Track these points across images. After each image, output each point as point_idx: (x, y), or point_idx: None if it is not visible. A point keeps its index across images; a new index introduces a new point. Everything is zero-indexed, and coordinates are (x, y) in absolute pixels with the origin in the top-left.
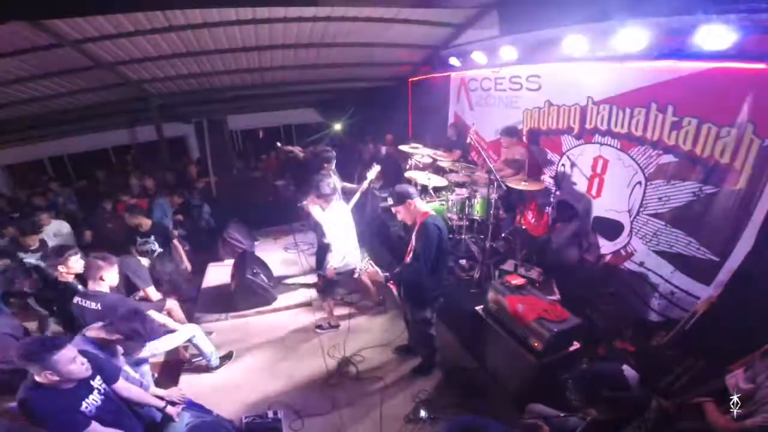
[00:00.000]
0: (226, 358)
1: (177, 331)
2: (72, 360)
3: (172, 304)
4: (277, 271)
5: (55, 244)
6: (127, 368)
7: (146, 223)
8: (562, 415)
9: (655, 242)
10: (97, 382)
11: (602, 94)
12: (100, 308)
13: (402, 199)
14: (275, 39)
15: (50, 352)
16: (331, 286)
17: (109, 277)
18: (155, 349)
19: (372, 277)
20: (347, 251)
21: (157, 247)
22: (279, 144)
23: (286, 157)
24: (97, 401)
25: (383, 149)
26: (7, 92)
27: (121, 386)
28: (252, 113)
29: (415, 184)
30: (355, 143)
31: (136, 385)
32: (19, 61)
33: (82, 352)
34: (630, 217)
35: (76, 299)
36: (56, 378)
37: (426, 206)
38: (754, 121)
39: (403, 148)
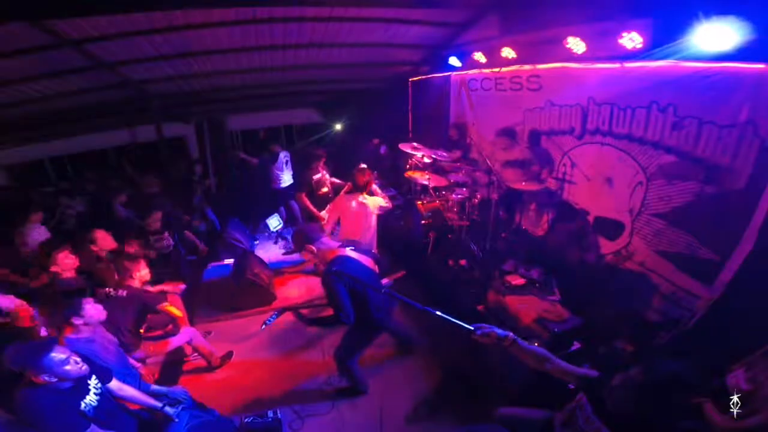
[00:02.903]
0: (226, 358)
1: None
2: (65, 361)
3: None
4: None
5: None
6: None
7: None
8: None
9: (657, 242)
10: (93, 382)
11: (603, 94)
12: (125, 295)
13: (301, 244)
14: (275, 39)
15: (41, 357)
16: None
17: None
18: (156, 352)
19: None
20: None
21: (171, 242)
22: (238, 152)
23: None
24: (94, 401)
25: (383, 149)
26: (7, 92)
27: (115, 386)
28: (252, 113)
29: (415, 184)
30: (358, 143)
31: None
32: (19, 61)
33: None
34: (631, 216)
35: (107, 288)
36: (54, 379)
37: (335, 245)
38: (754, 121)
39: (403, 147)
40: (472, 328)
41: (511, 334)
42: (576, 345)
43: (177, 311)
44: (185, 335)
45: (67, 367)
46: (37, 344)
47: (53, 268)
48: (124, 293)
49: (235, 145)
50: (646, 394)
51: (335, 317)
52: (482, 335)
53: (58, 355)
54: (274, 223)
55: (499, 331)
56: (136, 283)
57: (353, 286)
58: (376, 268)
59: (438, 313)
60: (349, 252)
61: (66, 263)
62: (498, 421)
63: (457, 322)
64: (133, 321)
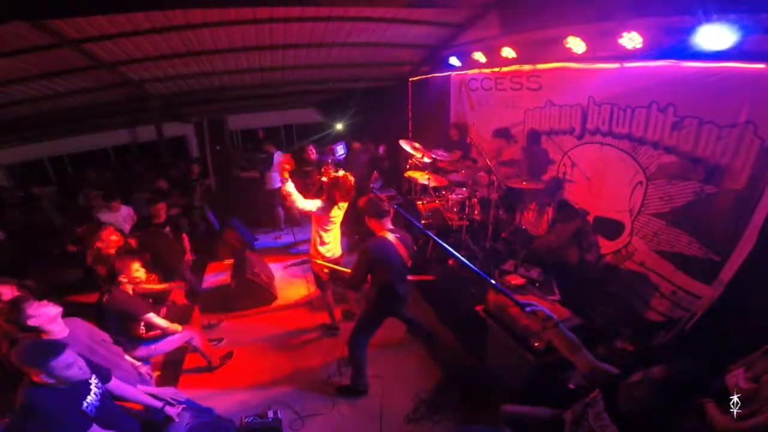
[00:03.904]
0: (226, 358)
1: (176, 333)
2: (70, 365)
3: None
4: (276, 271)
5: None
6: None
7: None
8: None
9: (657, 242)
10: (93, 382)
11: (603, 94)
12: (105, 301)
13: (368, 211)
14: (276, 39)
15: (48, 359)
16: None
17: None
18: (155, 351)
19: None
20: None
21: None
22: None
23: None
24: (95, 401)
25: (381, 149)
26: (7, 92)
27: (115, 386)
28: (252, 113)
29: (415, 184)
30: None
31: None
32: (19, 61)
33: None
34: (631, 216)
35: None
36: (52, 381)
37: (389, 226)
38: (754, 121)
39: (403, 144)
40: (522, 303)
41: (556, 316)
42: None
43: (165, 323)
44: (185, 335)
45: (71, 372)
46: (47, 345)
47: (98, 244)
48: (105, 299)
49: (223, 141)
50: (665, 392)
51: (348, 280)
52: (531, 312)
53: (65, 359)
54: (341, 150)
55: (548, 311)
56: (128, 286)
57: (382, 266)
58: (409, 262)
59: (492, 281)
60: (392, 237)
61: (110, 240)
62: (502, 418)
63: (509, 294)
64: (117, 326)
